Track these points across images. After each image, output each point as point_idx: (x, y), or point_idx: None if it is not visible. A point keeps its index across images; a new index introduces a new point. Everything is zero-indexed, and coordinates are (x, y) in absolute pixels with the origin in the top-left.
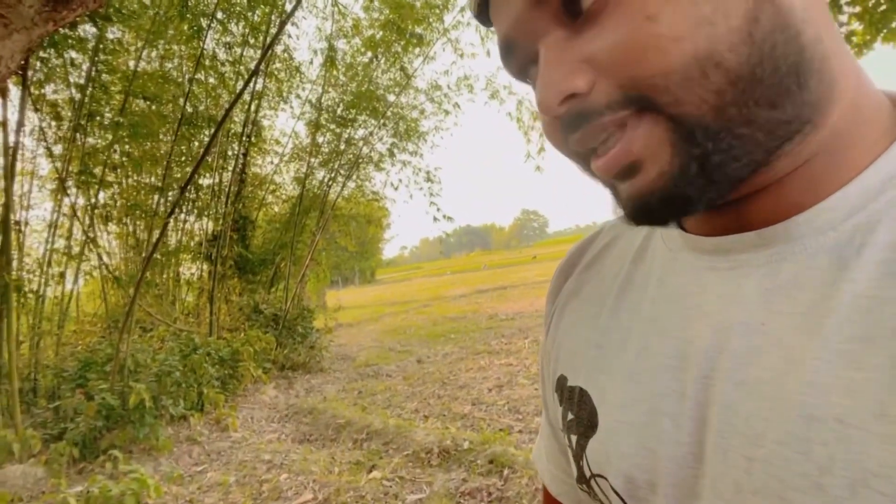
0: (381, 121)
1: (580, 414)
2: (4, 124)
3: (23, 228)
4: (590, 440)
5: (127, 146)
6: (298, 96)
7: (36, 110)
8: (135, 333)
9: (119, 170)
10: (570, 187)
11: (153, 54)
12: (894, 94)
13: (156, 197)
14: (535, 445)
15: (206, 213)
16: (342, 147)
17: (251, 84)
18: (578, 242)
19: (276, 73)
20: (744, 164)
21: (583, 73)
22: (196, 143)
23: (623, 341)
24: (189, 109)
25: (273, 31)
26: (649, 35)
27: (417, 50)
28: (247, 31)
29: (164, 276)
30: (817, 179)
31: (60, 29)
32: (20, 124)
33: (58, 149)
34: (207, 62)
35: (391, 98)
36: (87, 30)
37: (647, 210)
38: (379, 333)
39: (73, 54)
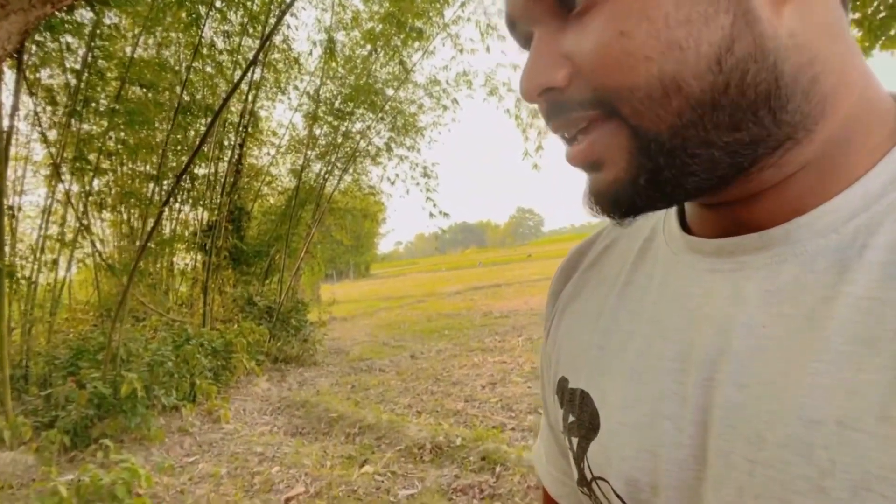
0: (379, 115)
1: (581, 416)
2: None
3: (16, 214)
4: (591, 442)
5: (122, 133)
6: (296, 88)
7: (31, 94)
8: (127, 322)
9: (114, 157)
10: (566, 186)
11: (150, 41)
12: None
13: (151, 185)
14: (534, 447)
15: (201, 202)
16: (339, 140)
17: (249, 74)
18: (579, 244)
19: (274, 63)
20: (703, 180)
21: (563, 68)
22: (192, 133)
23: (624, 343)
24: (186, 98)
25: (272, 21)
26: (620, 50)
27: (417, 44)
28: (246, 20)
29: (158, 265)
30: (818, 183)
31: (57, 12)
32: (15, 108)
33: (52, 134)
34: (205, 51)
35: (389, 92)
36: (84, 14)
37: (600, 205)
38: (373, 328)
39: (70, 39)
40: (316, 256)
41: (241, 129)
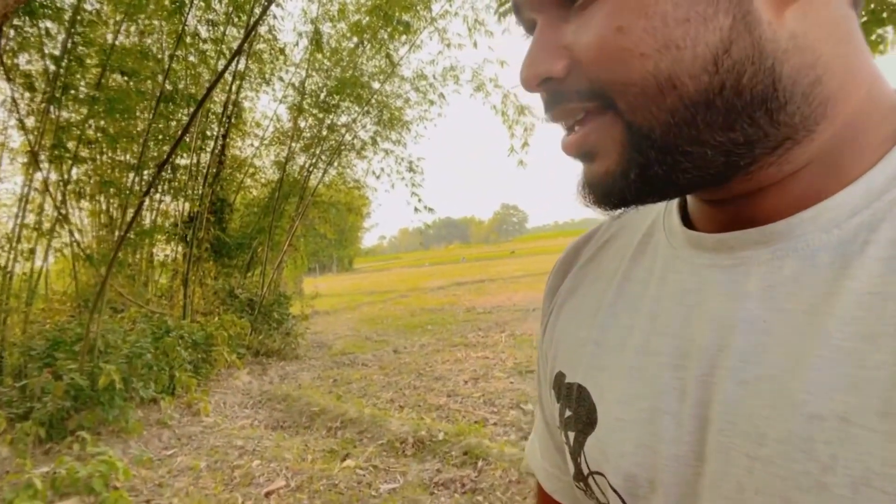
0: (365, 108)
1: (578, 411)
2: None
3: None
4: (588, 437)
5: (102, 122)
6: (281, 79)
7: (8, 80)
8: (106, 314)
9: (94, 145)
10: (551, 184)
11: (132, 28)
12: None
13: (131, 175)
14: (528, 442)
15: (182, 193)
16: (324, 133)
17: (233, 64)
18: (576, 240)
19: (259, 53)
20: (694, 178)
21: (562, 59)
22: (174, 122)
23: (622, 339)
24: (168, 87)
25: (258, 10)
26: (616, 46)
27: (404, 37)
28: (231, 9)
29: (138, 256)
30: (820, 181)
31: None
32: None
33: (30, 121)
34: (189, 39)
35: (376, 85)
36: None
37: (592, 196)
38: (356, 322)
39: (49, 24)
40: (299, 249)
41: (224, 119)
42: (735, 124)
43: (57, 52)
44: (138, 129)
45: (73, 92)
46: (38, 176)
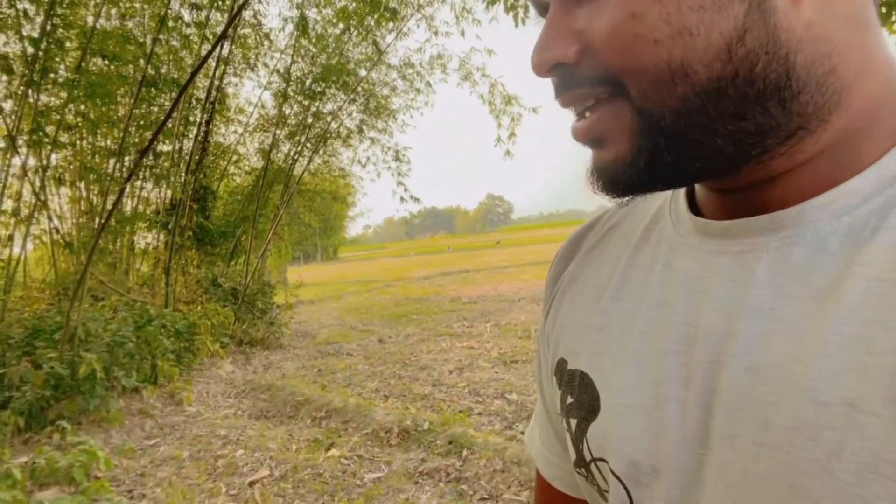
0: (351, 95)
1: (581, 398)
2: None
3: None
4: (591, 424)
5: (82, 106)
6: (266, 65)
7: None
8: (86, 302)
9: (74, 131)
10: (537, 175)
11: (113, 11)
12: None
13: (112, 161)
14: (527, 430)
15: (164, 180)
16: (310, 120)
17: (217, 49)
18: (578, 227)
19: (243, 38)
20: (704, 166)
21: (574, 44)
22: (156, 108)
23: (626, 325)
24: (151, 72)
25: None
26: (630, 32)
27: (391, 24)
28: None
29: (119, 243)
30: (832, 169)
31: None
32: None
33: (8, 105)
34: (172, 23)
35: (362, 73)
36: None
37: (601, 182)
38: (340, 312)
39: (28, 6)
40: (283, 238)
41: (207, 105)
42: (747, 113)
43: (35, 35)
44: (119, 114)
45: (52, 75)
46: (16, 161)
